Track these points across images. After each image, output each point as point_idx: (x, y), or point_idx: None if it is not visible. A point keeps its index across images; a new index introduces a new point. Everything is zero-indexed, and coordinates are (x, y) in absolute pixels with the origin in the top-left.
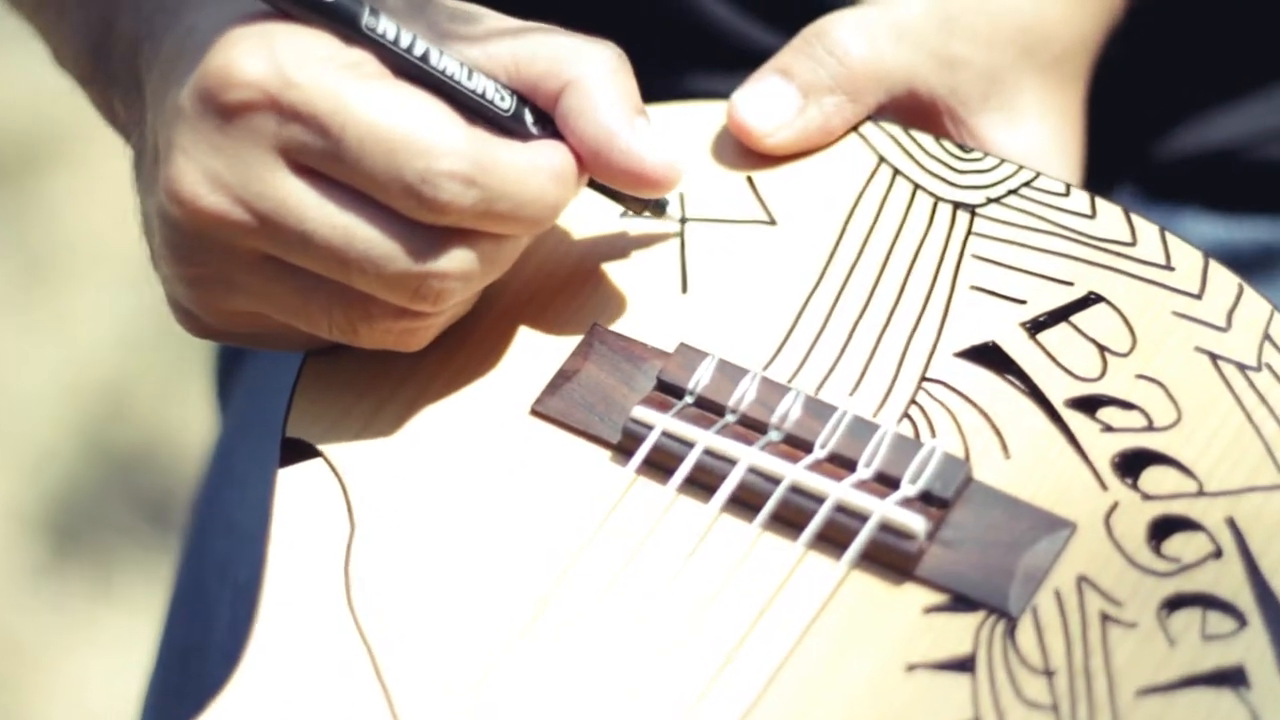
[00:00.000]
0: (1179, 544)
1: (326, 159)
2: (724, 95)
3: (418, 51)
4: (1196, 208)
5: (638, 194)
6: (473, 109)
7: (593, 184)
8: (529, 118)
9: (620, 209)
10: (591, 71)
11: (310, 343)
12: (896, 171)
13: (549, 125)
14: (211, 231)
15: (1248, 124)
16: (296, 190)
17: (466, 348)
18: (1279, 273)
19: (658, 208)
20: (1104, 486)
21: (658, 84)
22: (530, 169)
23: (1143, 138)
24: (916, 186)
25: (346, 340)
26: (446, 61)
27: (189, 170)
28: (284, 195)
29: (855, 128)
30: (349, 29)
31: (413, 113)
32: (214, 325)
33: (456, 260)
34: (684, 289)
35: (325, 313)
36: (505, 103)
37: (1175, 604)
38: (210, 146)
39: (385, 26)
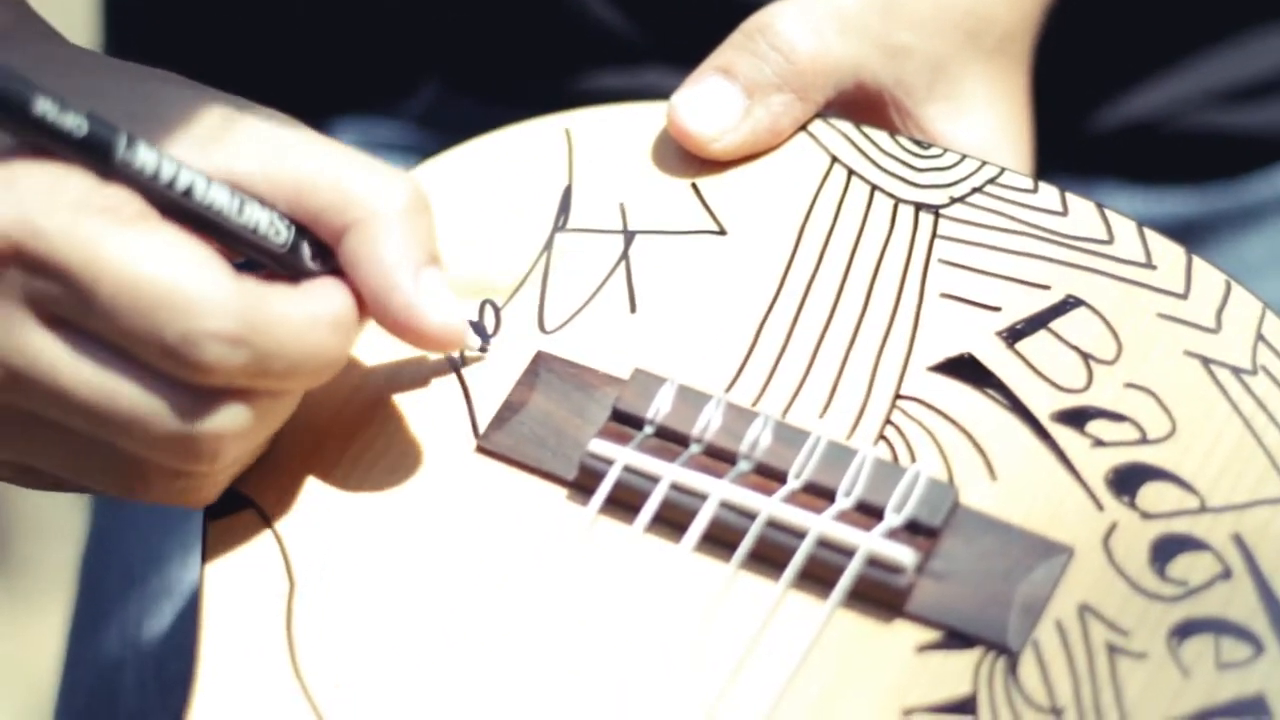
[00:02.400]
0: (1185, 565)
1: (80, 314)
2: (615, 92)
3: (181, 185)
4: (1115, 181)
5: (419, 347)
6: (245, 244)
7: None
8: (307, 252)
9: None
10: (381, 212)
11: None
12: (851, 172)
13: (330, 258)
14: None
15: (1165, 96)
16: (49, 346)
17: (403, 380)
18: (1199, 246)
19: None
20: (1100, 506)
21: (548, 85)
22: (306, 322)
23: (1060, 112)
24: (874, 188)
25: (127, 497)
26: (215, 193)
27: None
28: (35, 351)
29: (804, 126)
30: (103, 163)
31: (174, 266)
32: (2, 474)
33: (229, 419)
34: (632, 308)
35: (96, 472)
36: (280, 237)
37: (1186, 631)
38: None
39: (144, 159)
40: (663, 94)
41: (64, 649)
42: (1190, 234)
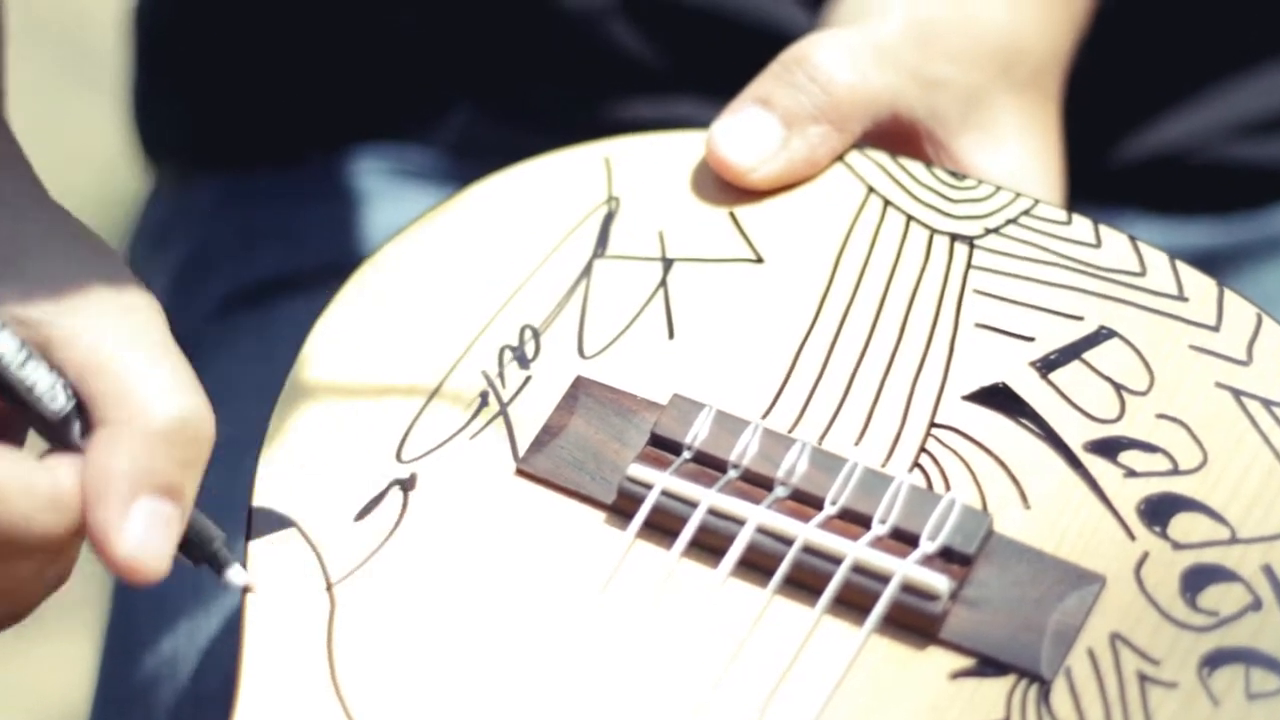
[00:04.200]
0: (1215, 595)
1: None
2: (647, 121)
3: None
4: (1139, 212)
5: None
6: (19, 400)
7: None
8: (77, 430)
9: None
10: (132, 424)
11: None
12: (887, 202)
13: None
14: None
15: (1190, 127)
16: None
17: (443, 401)
18: (1221, 277)
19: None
20: (1131, 536)
21: (580, 113)
22: (23, 490)
23: (1085, 143)
24: (910, 218)
25: None
26: (4, 340)
27: None
28: None
29: (841, 156)
30: None
31: None
32: None
33: None
34: (671, 335)
35: None
36: (57, 404)
37: (1216, 661)
38: None
39: None
40: (694, 123)
41: (96, 668)
42: (1213, 265)
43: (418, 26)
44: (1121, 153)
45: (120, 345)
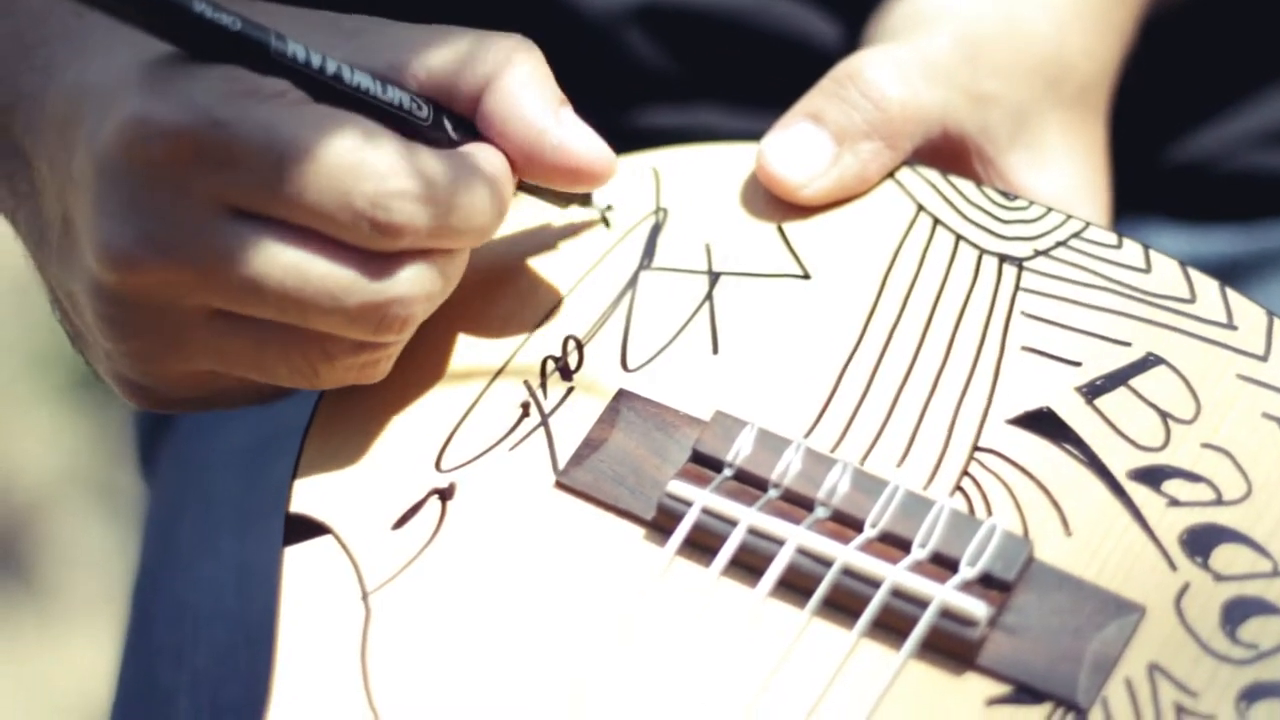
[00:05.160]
0: (1255, 629)
1: (267, 198)
2: (667, 130)
3: (329, 71)
4: (1162, 220)
5: (574, 189)
6: (392, 121)
7: (520, 184)
8: (449, 125)
9: (546, 205)
10: (507, 69)
11: (271, 395)
12: (937, 221)
13: (470, 129)
14: (155, 295)
15: (1214, 137)
16: (240, 236)
17: (487, 412)
18: (1243, 285)
19: (585, 199)
20: (1173, 566)
21: (600, 121)
22: (474, 177)
23: (1109, 152)
24: (959, 237)
25: (307, 385)
26: (360, 78)
27: (121, 233)
28: (228, 244)
29: (891, 173)
30: (258, 58)
31: (351, 137)
32: (167, 394)
33: (417, 282)
34: (715, 349)
35: (283, 359)
36: (423, 112)
37: (1254, 694)
38: (139, 205)
39: (294, 50)
40: (713, 131)
41: (115, 672)
42: (1235, 272)
43: None
44: (1145, 161)
45: (430, 40)
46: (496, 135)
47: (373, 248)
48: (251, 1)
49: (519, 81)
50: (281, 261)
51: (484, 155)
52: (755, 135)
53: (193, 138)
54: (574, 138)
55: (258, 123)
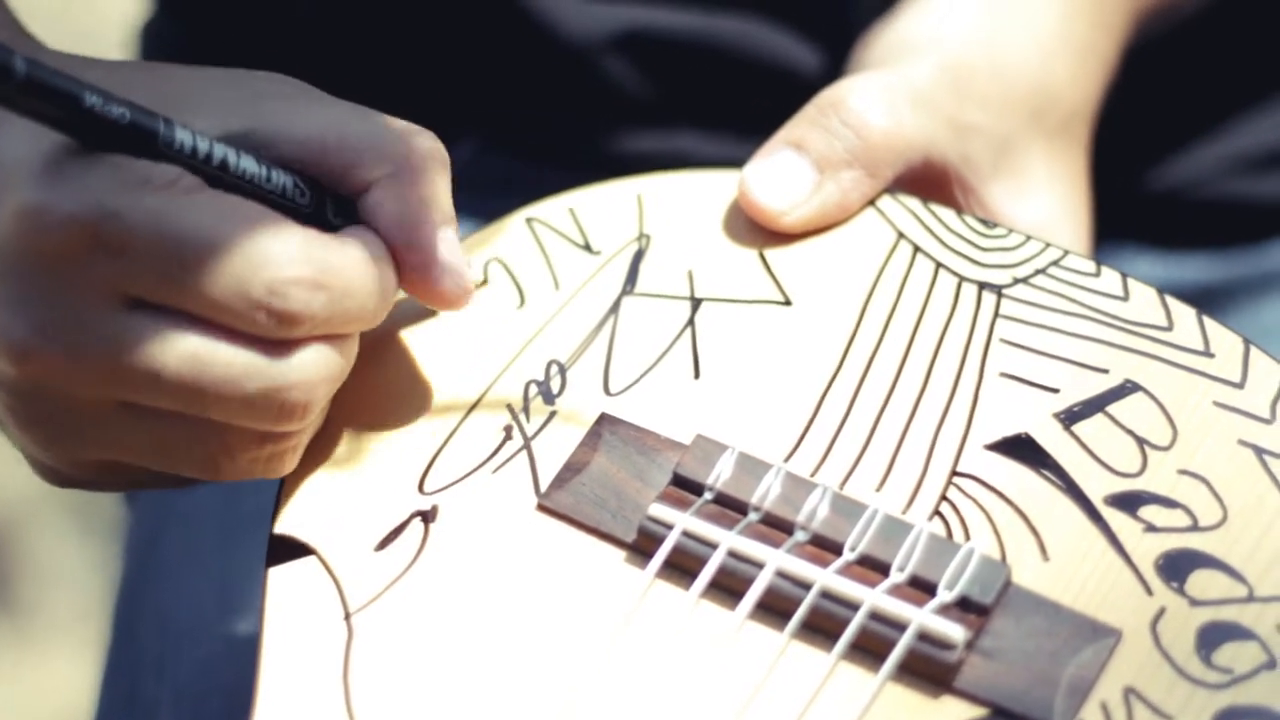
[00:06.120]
0: (1230, 653)
1: (162, 288)
2: (646, 155)
3: (215, 159)
4: (1137, 246)
5: (424, 303)
6: (274, 208)
7: None
8: (330, 210)
9: None
10: (404, 168)
11: (186, 480)
12: (917, 248)
13: (350, 213)
14: (52, 386)
15: (1188, 165)
16: (137, 326)
17: (469, 435)
18: (1217, 311)
19: None
20: (1149, 591)
21: (581, 146)
22: (363, 261)
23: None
24: (939, 265)
25: (211, 478)
26: (245, 164)
27: (15, 324)
28: (124, 334)
29: (872, 201)
30: (149, 146)
31: (245, 224)
32: (75, 476)
33: (316, 365)
34: (696, 374)
35: (185, 452)
36: (305, 199)
37: (1229, 718)
38: (35, 295)
39: (181, 138)
40: (693, 157)
41: (98, 687)
42: (1209, 299)
43: (419, 61)
44: (1120, 188)
45: (334, 117)
46: (376, 229)
47: (271, 335)
48: (149, 72)
49: (408, 184)
50: (178, 351)
51: (369, 240)
52: (735, 161)
53: (86, 228)
54: (441, 264)
55: (150, 212)
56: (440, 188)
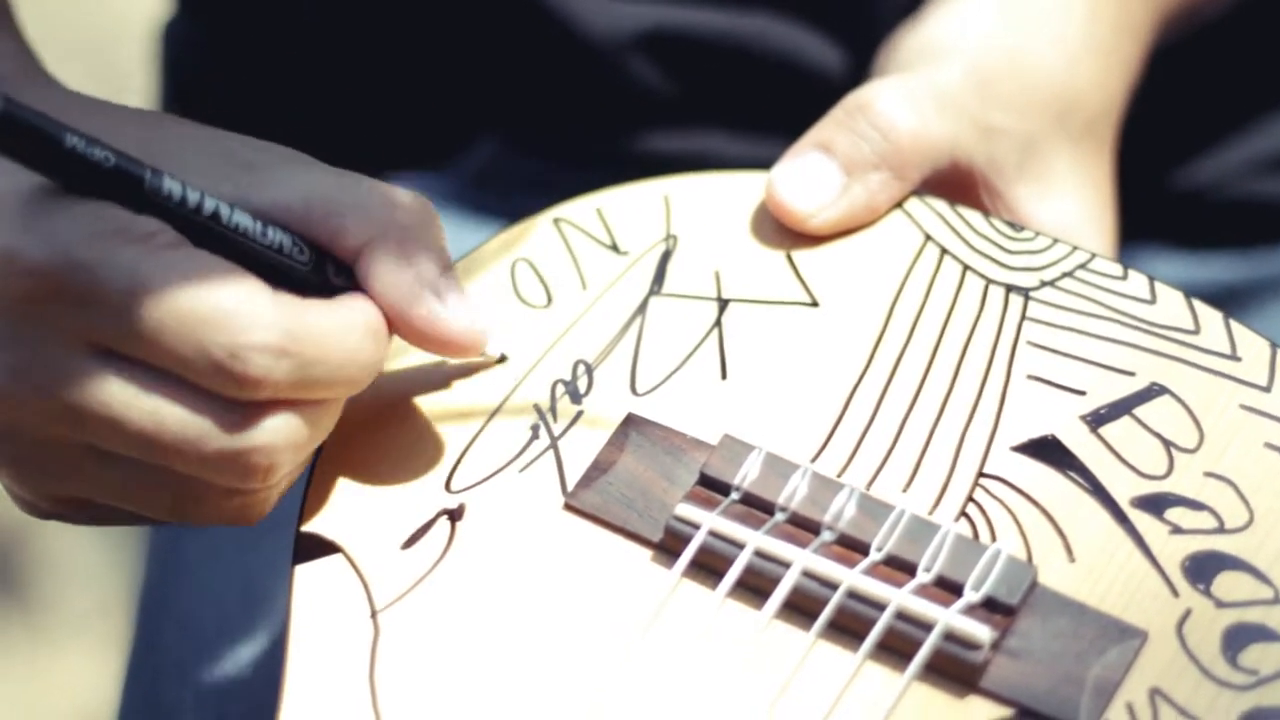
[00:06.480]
0: (1256, 655)
1: (126, 340)
2: (667, 154)
3: (207, 210)
4: (1160, 246)
5: (442, 355)
6: (272, 265)
7: None
8: (330, 270)
9: None
10: (392, 230)
11: (163, 519)
12: (944, 250)
13: (351, 276)
14: (23, 427)
15: (1212, 165)
16: (102, 376)
17: (496, 435)
18: (1241, 312)
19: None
20: (1175, 592)
21: (602, 146)
22: (342, 329)
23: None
24: (966, 267)
25: (180, 521)
26: (239, 218)
27: None
28: (89, 382)
29: (899, 203)
30: (134, 194)
31: (214, 285)
32: (53, 510)
33: (277, 432)
34: (723, 375)
35: (153, 497)
36: (304, 256)
37: None
38: (5, 337)
39: (170, 187)
40: (715, 157)
41: (120, 689)
42: (1234, 299)
43: (442, 60)
44: (1144, 188)
45: (322, 183)
46: (370, 293)
47: (232, 397)
48: (153, 124)
49: (400, 244)
50: (141, 404)
51: (359, 305)
52: (758, 161)
53: (52, 278)
54: (445, 310)
55: (120, 266)
56: (432, 243)
